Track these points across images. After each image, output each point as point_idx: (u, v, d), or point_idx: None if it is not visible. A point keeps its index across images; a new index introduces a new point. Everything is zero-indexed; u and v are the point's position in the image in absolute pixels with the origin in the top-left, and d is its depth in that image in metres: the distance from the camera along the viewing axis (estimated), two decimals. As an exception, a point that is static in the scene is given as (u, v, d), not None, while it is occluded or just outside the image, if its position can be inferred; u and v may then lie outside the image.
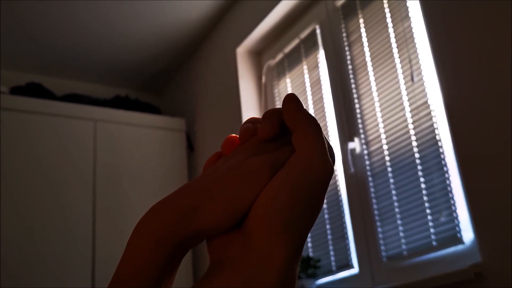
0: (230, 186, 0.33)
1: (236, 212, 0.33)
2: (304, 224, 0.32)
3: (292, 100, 0.36)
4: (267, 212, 0.32)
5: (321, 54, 2.34)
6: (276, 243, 0.31)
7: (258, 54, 2.78)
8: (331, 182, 2.17)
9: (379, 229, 1.91)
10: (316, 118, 2.28)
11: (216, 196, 0.33)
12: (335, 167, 0.35)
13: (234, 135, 0.38)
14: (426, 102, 1.79)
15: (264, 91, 2.65)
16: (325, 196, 0.34)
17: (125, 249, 0.33)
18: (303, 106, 0.36)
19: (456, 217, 1.65)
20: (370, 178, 1.98)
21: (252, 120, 0.38)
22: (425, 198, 1.75)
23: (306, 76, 2.40)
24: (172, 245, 0.32)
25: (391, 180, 1.89)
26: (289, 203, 0.32)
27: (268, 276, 0.30)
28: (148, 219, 0.33)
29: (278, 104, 2.58)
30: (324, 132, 0.36)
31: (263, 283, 0.30)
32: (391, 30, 1.97)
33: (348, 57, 2.16)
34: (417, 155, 1.80)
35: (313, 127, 0.35)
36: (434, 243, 1.70)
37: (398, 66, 1.92)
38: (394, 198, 1.86)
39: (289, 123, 0.35)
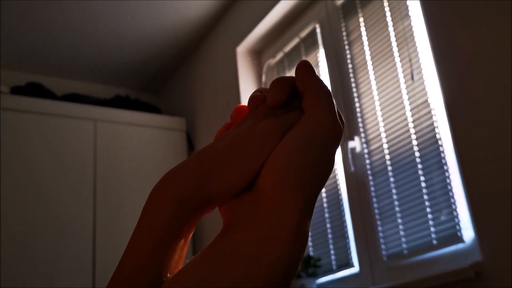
0: (241, 148, 0.34)
1: (249, 173, 0.33)
2: (316, 181, 0.32)
3: (305, 66, 0.37)
4: (279, 168, 0.32)
5: (321, 53, 2.34)
6: (288, 199, 0.31)
7: (258, 53, 2.78)
8: (331, 181, 2.18)
9: (380, 228, 1.91)
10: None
11: (229, 159, 0.33)
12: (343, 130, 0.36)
13: (243, 104, 0.38)
14: (426, 101, 1.79)
15: (264, 90, 2.65)
16: (334, 161, 0.34)
17: (140, 215, 0.33)
18: (315, 72, 0.37)
19: (457, 216, 1.65)
20: (370, 177, 1.98)
21: (260, 89, 0.38)
22: (425, 196, 1.75)
23: (306, 75, 2.40)
24: (189, 209, 0.32)
25: (391, 179, 1.89)
26: (300, 159, 0.32)
27: (282, 231, 0.30)
28: (165, 184, 0.33)
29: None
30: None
31: (277, 239, 0.29)
32: (391, 29, 1.97)
33: (348, 56, 2.16)
34: (417, 154, 1.80)
35: (324, 91, 0.35)
36: (434, 241, 1.71)
37: (398, 65, 1.92)
38: (394, 197, 1.86)
39: (300, 87, 0.36)
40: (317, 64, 2.35)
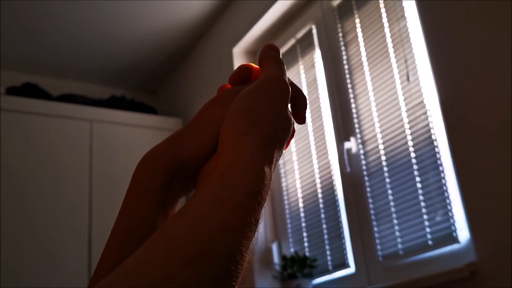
0: (204, 113, 0.39)
1: (212, 132, 0.38)
2: (268, 126, 0.35)
3: (270, 46, 0.42)
4: (232, 118, 0.36)
5: (317, 54, 2.34)
6: (242, 141, 0.34)
7: (254, 54, 2.78)
8: (327, 182, 2.18)
9: (375, 229, 1.91)
10: (312, 117, 2.29)
11: (194, 124, 0.39)
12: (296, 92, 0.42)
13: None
14: (422, 101, 1.80)
15: (260, 91, 2.65)
16: (291, 120, 0.38)
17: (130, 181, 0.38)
18: (278, 52, 0.42)
19: (452, 216, 1.65)
20: (366, 178, 1.98)
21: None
22: (420, 197, 1.75)
23: (302, 76, 2.41)
24: (167, 170, 0.37)
25: (387, 180, 1.89)
26: (249, 104, 0.36)
27: (238, 167, 0.32)
28: (146, 154, 0.39)
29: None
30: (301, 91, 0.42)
31: (233, 179, 0.31)
32: (387, 30, 1.98)
33: (344, 57, 2.17)
34: (413, 155, 1.80)
35: (279, 62, 0.40)
36: (429, 242, 1.71)
37: (394, 66, 1.92)
38: (390, 197, 1.87)
39: (260, 59, 0.41)
40: (313, 65, 2.35)
